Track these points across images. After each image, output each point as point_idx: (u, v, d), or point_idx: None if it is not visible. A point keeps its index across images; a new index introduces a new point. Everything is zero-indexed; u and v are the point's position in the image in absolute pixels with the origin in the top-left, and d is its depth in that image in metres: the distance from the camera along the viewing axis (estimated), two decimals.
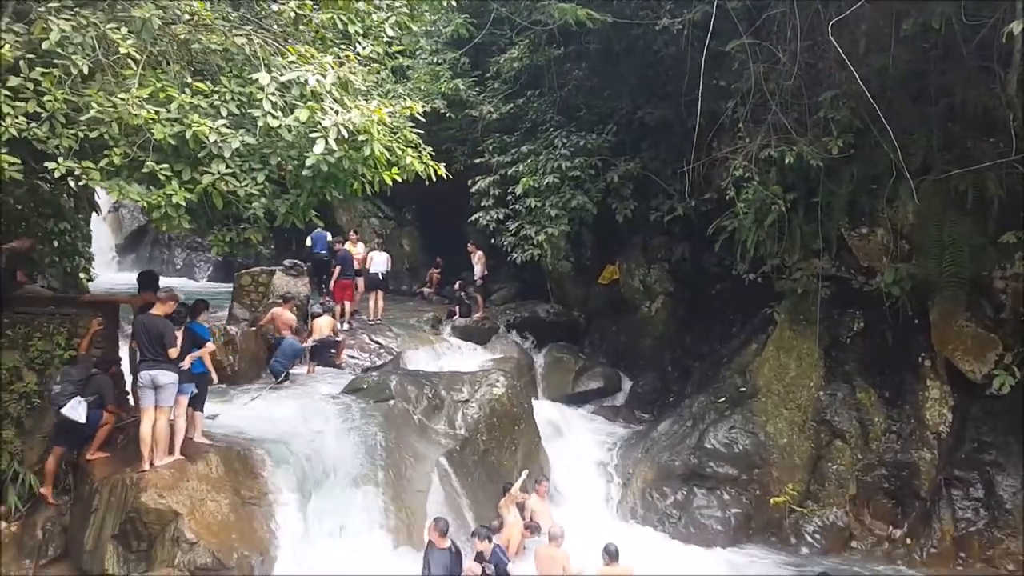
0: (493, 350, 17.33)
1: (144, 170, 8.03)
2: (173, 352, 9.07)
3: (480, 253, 18.31)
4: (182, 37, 8.61)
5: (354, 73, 8.60)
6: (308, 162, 7.88)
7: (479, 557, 9.46)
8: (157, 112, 7.97)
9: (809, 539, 12.38)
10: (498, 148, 17.92)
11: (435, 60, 21.66)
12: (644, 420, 16.07)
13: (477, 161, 18.43)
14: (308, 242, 18.69)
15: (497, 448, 12.55)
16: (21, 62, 7.85)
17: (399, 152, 8.63)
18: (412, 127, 9.62)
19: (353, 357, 15.57)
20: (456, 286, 18.94)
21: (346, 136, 7.75)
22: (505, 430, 12.76)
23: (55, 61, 7.83)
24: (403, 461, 11.09)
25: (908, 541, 12.06)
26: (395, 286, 24.44)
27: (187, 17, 8.61)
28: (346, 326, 16.26)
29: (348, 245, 17.60)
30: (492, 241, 18.04)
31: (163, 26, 8.46)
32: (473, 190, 17.57)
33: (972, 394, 12.33)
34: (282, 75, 8.02)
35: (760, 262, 13.91)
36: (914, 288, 12.36)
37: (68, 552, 9.17)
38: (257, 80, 7.94)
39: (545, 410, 15.42)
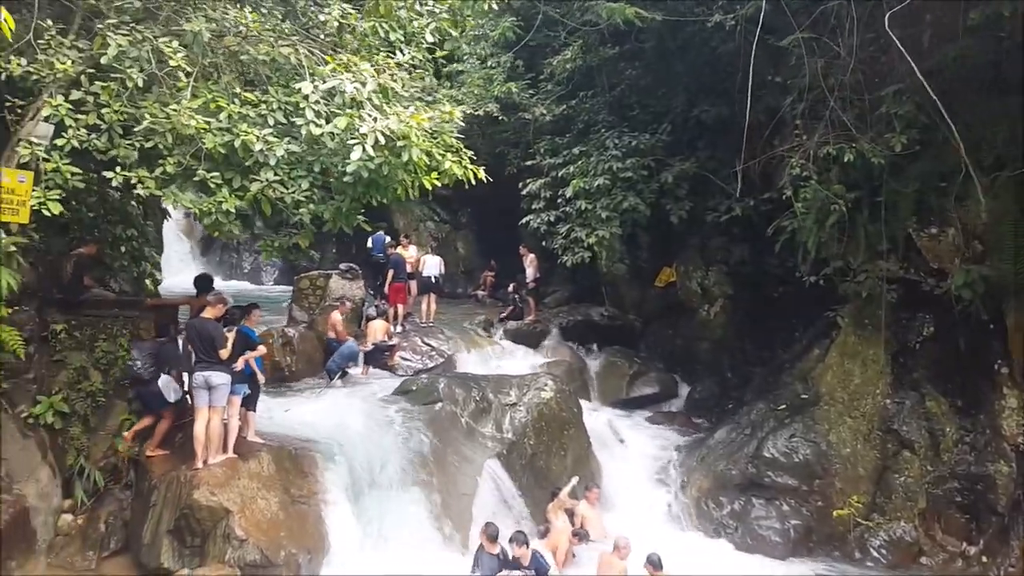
0: (545, 353, 17.17)
1: (196, 178, 8.23)
2: (224, 353, 9.25)
3: (532, 256, 18.12)
4: (232, 49, 8.74)
5: (395, 80, 8.55)
6: (349, 168, 7.92)
7: (514, 563, 9.25)
8: (208, 122, 8.15)
9: (875, 553, 11.76)
10: (550, 150, 17.71)
11: (489, 64, 21.61)
12: (701, 427, 15.64)
13: (528, 164, 18.25)
14: (369, 244, 18.90)
15: (545, 453, 12.33)
16: (83, 76, 8.10)
17: (438, 157, 8.54)
18: (455, 132, 9.55)
19: (405, 359, 15.58)
20: (509, 289, 18.79)
21: (383, 142, 7.71)
22: (553, 435, 12.53)
23: (112, 75, 8.07)
24: (450, 463, 11.02)
25: (983, 559, 11.32)
26: (450, 289, 24.53)
27: (237, 29, 8.75)
28: (399, 328, 16.28)
29: (400, 249, 17.64)
30: (543, 244, 17.82)
31: (214, 39, 8.62)
32: (524, 192, 17.40)
33: None
34: (324, 83, 8.05)
35: (823, 264, 13.35)
36: (988, 291, 11.65)
37: (128, 546, 9.43)
38: (300, 89, 8.01)
39: (597, 415, 15.20)
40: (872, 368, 12.83)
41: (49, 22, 8.28)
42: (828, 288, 13.63)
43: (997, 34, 10.62)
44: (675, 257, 18.50)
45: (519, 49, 22.13)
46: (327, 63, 8.58)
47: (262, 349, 10.18)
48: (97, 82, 8.00)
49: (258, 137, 8.00)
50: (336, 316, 14.47)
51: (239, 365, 9.59)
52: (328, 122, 8.08)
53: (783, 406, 13.22)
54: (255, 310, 10.66)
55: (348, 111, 7.90)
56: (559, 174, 16.75)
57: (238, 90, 8.54)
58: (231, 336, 9.43)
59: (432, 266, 17.16)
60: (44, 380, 9.48)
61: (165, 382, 9.66)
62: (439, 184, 8.87)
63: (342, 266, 17.21)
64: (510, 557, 9.27)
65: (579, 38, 18.37)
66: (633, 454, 14.32)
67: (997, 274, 11.50)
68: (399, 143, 7.92)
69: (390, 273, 16.63)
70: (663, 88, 16.96)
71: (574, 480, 11.88)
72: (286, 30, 9.18)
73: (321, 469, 10.05)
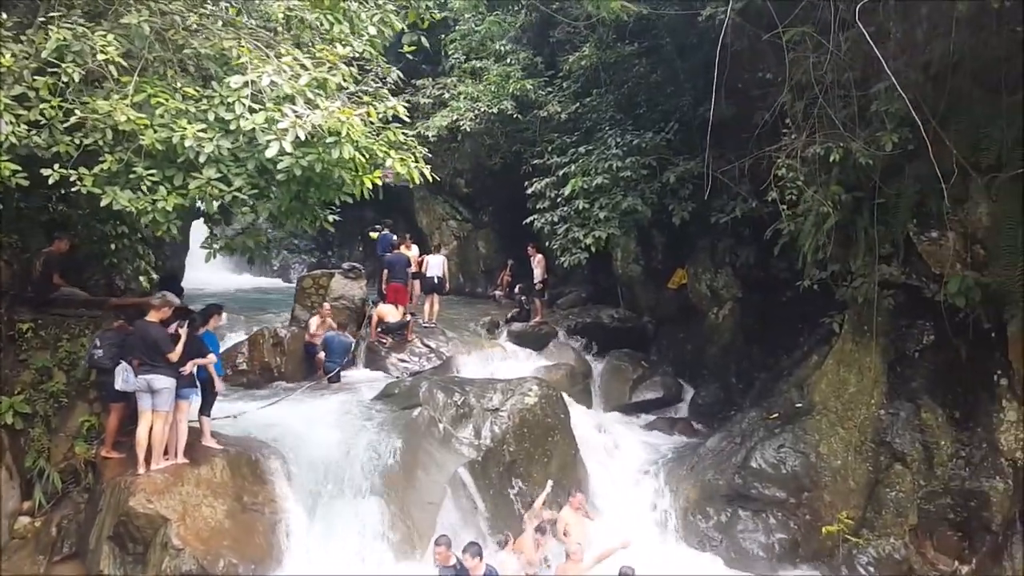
0: (549, 356, 16.95)
1: (132, 176, 8.17)
2: (173, 356, 9.16)
3: (540, 256, 17.91)
4: (179, 43, 8.72)
5: (333, 73, 8.42)
6: (280, 165, 7.79)
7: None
8: (150, 118, 8.10)
9: (863, 571, 11.30)
10: (557, 149, 17.47)
11: (508, 60, 21.46)
12: (702, 433, 15.25)
13: (535, 163, 18.06)
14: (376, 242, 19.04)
15: (526, 460, 12.13)
16: (25, 71, 8.14)
17: (379, 154, 8.38)
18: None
19: (402, 361, 15.60)
20: (516, 290, 18.63)
21: (303, 138, 7.56)
22: (536, 441, 12.32)
23: (51, 69, 8.08)
24: (418, 471, 10.88)
25: None
26: (470, 288, 24.56)
27: (184, 23, 8.71)
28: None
29: (403, 248, 17.62)
30: (547, 244, 17.63)
31: (158, 32, 8.58)
32: (529, 192, 17.19)
33: None
34: (259, 78, 7.93)
35: (823, 268, 12.88)
36: (987, 298, 11.08)
37: (79, 551, 9.42)
38: (229, 84, 7.92)
39: (594, 420, 14.98)
40: (868, 377, 12.31)
41: (3, 15, 8.35)
42: (832, 293, 13.15)
43: (989, 27, 10.03)
44: (688, 258, 18.10)
45: (540, 46, 22.06)
46: (266, 57, 8.46)
47: (212, 357, 10.09)
48: (37, 77, 7.96)
49: (190, 133, 7.87)
50: (312, 320, 14.62)
51: (187, 369, 9.53)
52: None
53: (775, 415, 12.80)
54: (217, 314, 10.69)
55: (269, 105, 7.75)
56: (562, 173, 16.51)
57: (179, 85, 8.45)
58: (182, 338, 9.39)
59: (435, 266, 17.07)
60: (7, 380, 9.64)
61: (121, 368, 9.39)
62: (375, 182, 8.66)
63: (345, 265, 17.34)
64: (466, 568, 9.18)
65: (596, 35, 18.16)
66: (626, 461, 14.02)
67: (996, 281, 10.92)
68: (328, 139, 7.77)
69: (385, 273, 16.60)
70: (671, 86, 16.55)
71: (549, 485, 11.70)
72: (235, 23, 9.09)
73: (281, 475, 10.02)
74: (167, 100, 8.19)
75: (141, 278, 14.40)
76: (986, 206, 11.03)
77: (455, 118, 20.06)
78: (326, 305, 15.40)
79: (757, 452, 12.23)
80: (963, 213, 11.38)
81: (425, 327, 16.74)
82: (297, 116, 7.63)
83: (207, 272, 26.95)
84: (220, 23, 8.98)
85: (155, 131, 8.04)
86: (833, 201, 12.11)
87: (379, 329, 15.79)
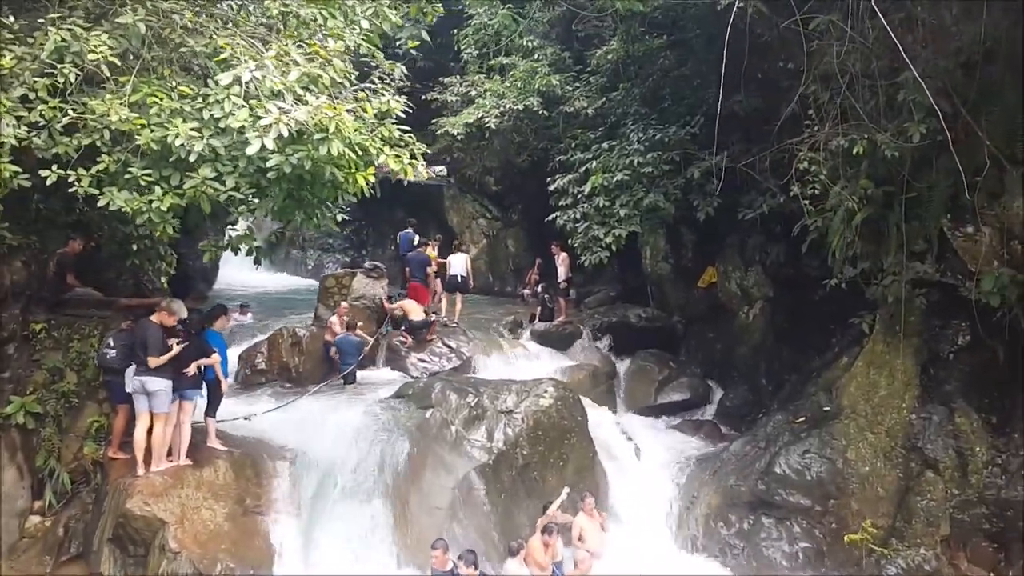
0: (573, 356, 16.62)
1: (127, 176, 8.11)
2: (152, 361, 9.04)
3: (564, 255, 17.55)
4: (176, 41, 8.64)
5: (325, 69, 8.23)
6: (269, 163, 7.63)
7: None
8: (147, 118, 8.03)
9: None
10: (581, 145, 17.11)
11: (536, 56, 21.18)
12: (729, 437, 14.75)
13: (560, 159, 17.72)
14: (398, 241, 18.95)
15: (541, 463, 11.84)
16: (26, 72, 8.14)
17: (372, 151, 8.16)
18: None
19: (423, 361, 15.38)
20: (539, 288, 18.32)
21: (286, 134, 7.37)
22: (551, 444, 12.01)
23: (48, 71, 8.06)
24: (426, 475, 10.67)
25: None
26: (500, 287, 24.33)
27: (181, 22, 8.63)
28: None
29: (429, 249, 17.46)
30: (571, 242, 17.28)
31: (156, 31, 8.51)
32: (552, 188, 16.85)
33: None
34: (242, 73, 7.77)
35: (853, 265, 12.35)
36: (1021, 297, 10.49)
37: (85, 551, 9.42)
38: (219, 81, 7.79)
39: (615, 422, 14.57)
40: (900, 379, 11.77)
41: (11, 17, 8.37)
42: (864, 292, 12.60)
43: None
44: (718, 256, 17.61)
45: (568, 40, 21.72)
46: (265, 52, 8.30)
47: (216, 357, 9.98)
48: (36, 78, 7.95)
49: (182, 132, 7.75)
50: (332, 319, 14.51)
51: (190, 371, 9.46)
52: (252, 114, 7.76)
53: (802, 418, 12.31)
54: (224, 314, 10.61)
55: (252, 102, 7.59)
56: (584, 169, 16.15)
57: (174, 84, 8.36)
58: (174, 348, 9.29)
59: (458, 265, 16.80)
60: (21, 380, 9.69)
61: (131, 370, 9.39)
62: (369, 180, 8.41)
63: (367, 264, 17.23)
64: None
65: (625, 28, 17.78)
66: (647, 465, 13.60)
67: None
68: (316, 136, 7.58)
69: (407, 271, 16.46)
70: (698, 79, 16.07)
71: (565, 492, 11.43)
72: (236, 21, 8.96)
73: (285, 478, 9.92)
74: (162, 99, 8.11)
75: (163, 278, 14.55)
76: (1023, 199, 10.43)
77: (480, 115, 19.81)
78: (344, 304, 15.29)
79: (781, 457, 11.75)
80: (999, 207, 10.80)
81: (448, 326, 16.51)
82: (284, 112, 7.44)
83: (242, 272, 27.25)
84: (218, 21, 8.83)
85: (152, 131, 7.97)
86: (862, 196, 11.63)
87: (403, 327, 15.64)
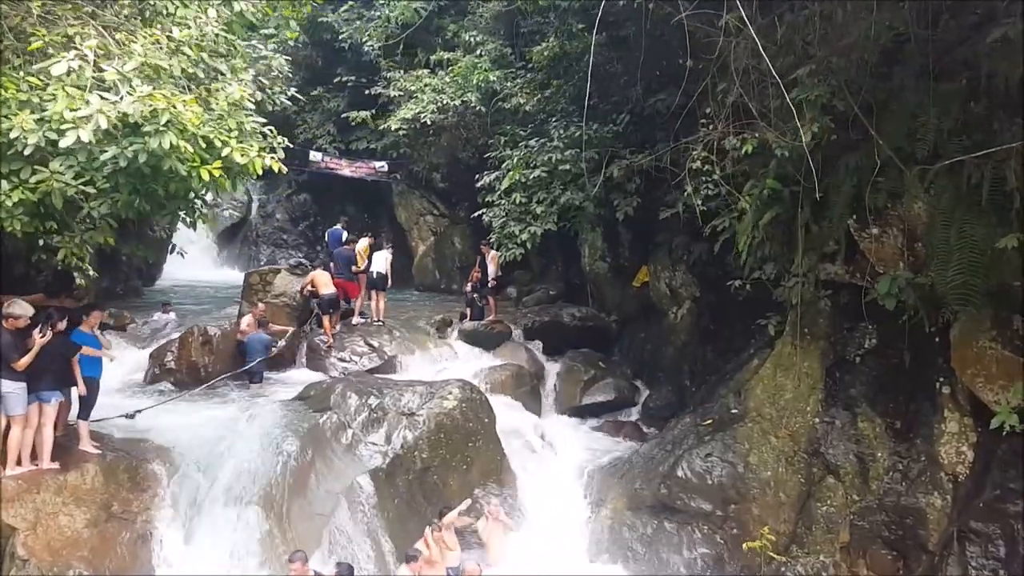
0: (502, 356, 16.36)
1: None
2: (19, 364, 8.79)
3: (493, 253, 17.24)
4: (29, 32, 8.33)
5: (172, 59, 7.91)
6: (104, 156, 7.32)
7: None
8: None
9: None
10: (511, 141, 16.85)
11: (478, 52, 20.95)
12: (650, 438, 14.55)
13: (489, 155, 17.47)
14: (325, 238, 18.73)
15: (442, 467, 11.58)
16: None
17: (218, 144, 7.84)
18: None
19: (343, 360, 15.13)
20: (467, 288, 18.07)
21: (104, 126, 7.05)
22: (454, 447, 11.76)
23: None
24: (310, 479, 10.36)
25: None
26: (447, 285, 24.10)
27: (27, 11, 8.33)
28: (339, 327, 15.79)
29: (360, 245, 17.16)
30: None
31: (7, 21, 8.20)
32: (478, 185, 16.59)
33: (1000, 430, 10.09)
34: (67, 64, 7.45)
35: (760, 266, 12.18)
36: (926, 300, 10.30)
37: None
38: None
39: (533, 423, 14.33)
40: (805, 383, 11.59)
41: None
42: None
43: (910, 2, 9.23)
44: (651, 255, 17.40)
45: (513, 36, 21.48)
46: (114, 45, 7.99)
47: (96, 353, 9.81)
48: None
49: (17, 125, 7.42)
50: (245, 319, 14.22)
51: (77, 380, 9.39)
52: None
53: (708, 421, 12.09)
54: (94, 312, 10.29)
55: (67, 90, 7.26)
56: (505, 166, 15.90)
57: (21, 74, 8.05)
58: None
59: (378, 263, 16.51)
60: None
61: None
62: (214, 174, 8.07)
63: (291, 261, 16.98)
64: None
65: (562, 23, 17.56)
66: (562, 467, 13.39)
67: (934, 281, 10.11)
68: (146, 127, 7.25)
69: (332, 267, 16.20)
70: (625, 76, 15.84)
71: (465, 503, 11.21)
72: (90, 12, 8.61)
73: (162, 482, 9.60)
74: (7, 90, 7.78)
75: (76, 275, 14.19)
76: (923, 200, 10.25)
77: (418, 111, 19.54)
78: (260, 305, 15.00)
79: (684, 461, 11.54)
80: (901, 208, 10.62)
81: (372, 325, 16.24)
82: (112, 103, 7.12)
83: (186, 268, 26.83)
84: (75, 11, 8.49)
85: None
86: (769, 195, 11.44)
87: (315, 300, 15.54)
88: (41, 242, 12.20)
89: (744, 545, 10.69)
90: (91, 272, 12.98)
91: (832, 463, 10.99)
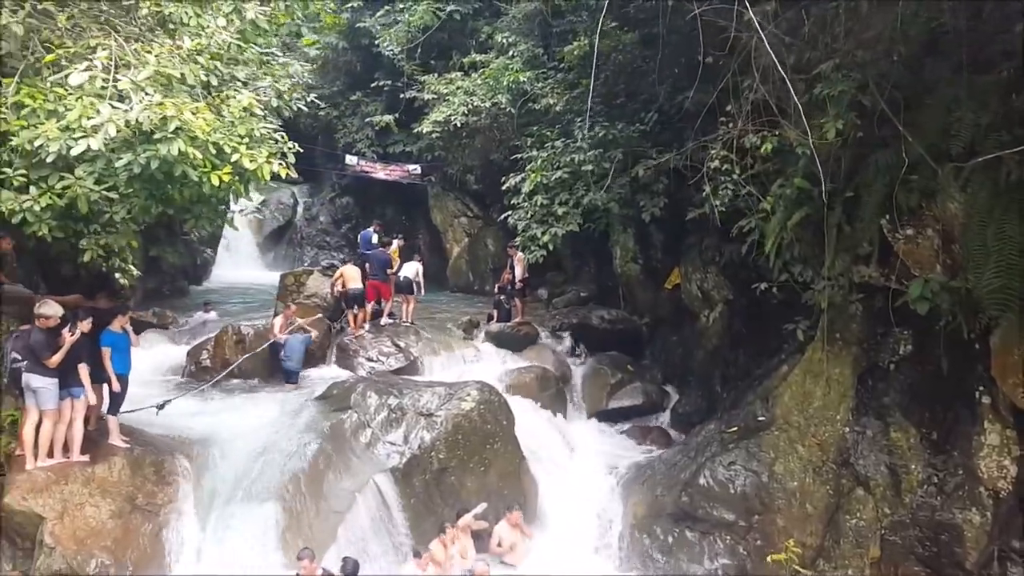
0: (528, 358, 16.13)
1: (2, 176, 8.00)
2: (52, 361, 9.03)
3: (521, 255, 17.04)
4: (55, 42, 8.46)
5: (186, 67, 7.93)
6: (119, 163, 7.40)
7: None
8: (27, 118, 7.89)
9: None
10: (538, 142, 16.65)
11: (510, 53, 20.83)
12: (678, 443, 14.18)
13: (516, 157, 17.29)
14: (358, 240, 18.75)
15: (459, 468, 11.42)
16: None
17: (227, 149, 7.83)
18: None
19: (371, 360, 15.11)
20: (496, 289, 17.91)
21: (113, 133, 7.09)
22: (472, 449, 11.58)
23: None
24: (328, 478, 10.33)
25: None
26: (480, 286, 24.03)
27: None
28: (367, 326, 15.79)
29: (392, 247, 17.18)
30: None
31: (30, 34, 8.34)
32: (504, 188, 16.40)
33: None
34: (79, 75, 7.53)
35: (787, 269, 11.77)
36: (963, 305, 9.80)
37: None
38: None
39: (556, 427, 14.10)
40: (836, 390, 11.13)
41: None
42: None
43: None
44: (683, 257, 17.00)
45: (546, 37, 21.30)
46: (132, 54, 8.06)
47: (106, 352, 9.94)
48: None
49: (43, 133, 7.57)
50: (278, 320, 14.30)
51: (84, 375, 9.46)
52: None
53: (734, 428, 11.72)
54: (121, 315, 10.43)
55: (82, 99, 7.35)
56: (529, 167, 15.71)
57: (48, 84, 8.19)
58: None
59: (408, 268, 16.67)
60: None
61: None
62: (224, 180, 8.05)
63: (324, 263, 17.06)
64: None
65: (594, 22, 17.30)
66: (584, 472, 13.11)
67: (967, 285, 9.62)
68: (156, 135, 7.28)
69: (366, 268, 16.26)
70: (653, 75, 15.50)
71: (480, 507, 11.02)
72: (112, 24, 8.71)
73: (186, 476, 9.76)
74: (35, 100, 7.93)
75: (119, 276, 14.43)
76: (959, 199, 9.75)
77: (449, 113, 19.47)
78: (292, 305, 15.11)
79: (707, 469, 11.20)
80: (936, 208, 10.12)
81: (400, 326, 16.22)
82: (123, 112, 7.18)
83: (236, 268, 27.28)
84: (99, 23, 8.61)
85: (33, 130, 7.84)
86: (797, 196, 11.04)
87: (340, 292, 15.80)
88: (84, 244, 12.60)
89: (768, 557, 10.23)
90: (135, 272, 13.35)
91: (862, 474, 10.52)
